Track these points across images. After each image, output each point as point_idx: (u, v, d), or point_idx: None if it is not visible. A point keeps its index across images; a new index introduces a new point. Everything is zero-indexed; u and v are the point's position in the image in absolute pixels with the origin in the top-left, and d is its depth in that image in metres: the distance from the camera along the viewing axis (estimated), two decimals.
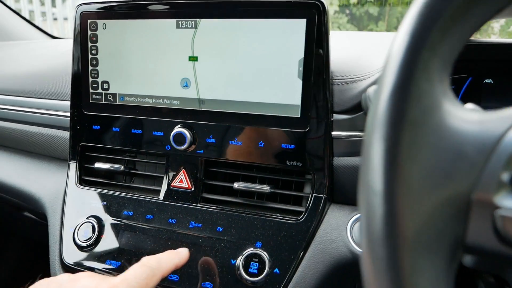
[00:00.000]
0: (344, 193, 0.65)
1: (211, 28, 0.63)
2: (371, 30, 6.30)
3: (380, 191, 0.25)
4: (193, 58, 0.65)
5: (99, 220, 0.69)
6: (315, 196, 0.63)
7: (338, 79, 0.63)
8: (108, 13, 0.69)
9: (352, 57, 0.67)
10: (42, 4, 5.19)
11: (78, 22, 0.72)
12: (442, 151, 0.25)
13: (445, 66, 0.27)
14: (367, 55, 0.68)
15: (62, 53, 0.92)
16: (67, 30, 5.56)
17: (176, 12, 0.65)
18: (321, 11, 0.58)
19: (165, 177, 0.70)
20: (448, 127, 0.26)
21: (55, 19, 5.51)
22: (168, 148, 0.69)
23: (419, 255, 0.25)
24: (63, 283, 0.46)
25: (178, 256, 0.55)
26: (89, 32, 0.71)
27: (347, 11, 6.80)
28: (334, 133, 0.63)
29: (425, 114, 0.26)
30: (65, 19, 5.63)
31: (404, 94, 0.26)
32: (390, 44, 0.28)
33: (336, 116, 0.63)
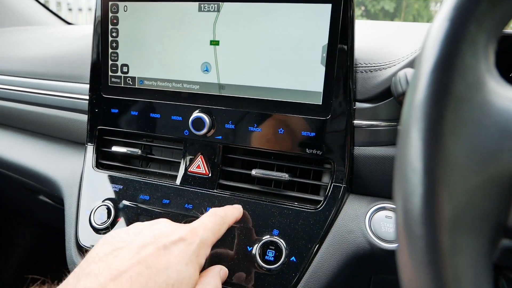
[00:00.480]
0: (363, 183, 0.64)
1: (234, 12, 0.63)
2: None
3: (420, 168, 0.24)
4: (214, 42, 0.64)
5: (115, 203, 0.69)
6: (334, 185, 0.62)
7: (362, 67, 0.62)
8: None
9: (377, 45, 0.66)
10: None
11: (99, 3, 0.71)
12: (487, 129, 0.24)
13: (491, 42, 0.26)
14: (392, 44, 0.66)
15: (81, 36, 0.92)
16: (81, 21, 5.60)
17: None
18: None
19: (182, 162, 0.70)
20: (494, 104, 0.25)
21: (69, 9, 5.55)
22: (186, 133, 0.68)
23: (459, 236, 0.24)
24: (144, 227, 0.48)
25: (238, 210, 0.60)
26: (110, 14, 0.71)
27: (362, 8, 6.74)
28: (355, 121, 0.62)
29: (470, 90, 0.25)
30: (80, 9, 5.67)
31: (449, 68, 0.25)
32: (434, 18, 0.27)
33: (359, 105, 0.62)
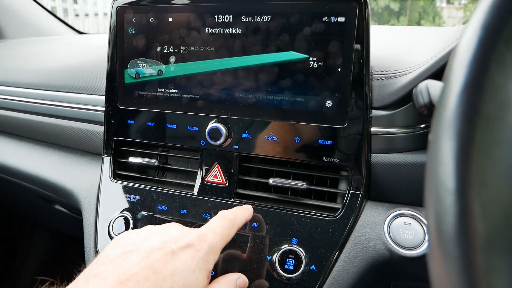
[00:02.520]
0: (381, 190, 0.64)
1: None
2: (393, 25, 6.21)
3: (453, 189, 0.24)
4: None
5: (133, 214, 0.70)
6: (352, 193, 0.62)
7: (378, 74, 0.62)
8: (144, 8, 0.69)
9: (391, 52, 0.66)
10: (64, 1, 5.27)
11: (114, 17, 0.72)
12: None
13: None
14: (406, 50, 0.66)
15: (95, 47, 0.93)
16: (87, 27, 5.64)
17: (214, 7, 0.65)
18: (362, 6, 0.57)
19: (199, 172, 0.70)
20: None
21: (76, 15, 5.60)
22: (202, 143, 0.69)
23: (495, 256, 0.24)
24: (154, 231, 0.48)
25: (247, 211, 0.58)
26: (125, 26, 0.71)
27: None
28: (372, 129, 0.62)
29: (500, 109, 0.25)
30: (86, 15, 5.72)
31: (478, 88, 0.25)
32: (458, 37, 0.28)
33: (375, 112, 0.62)
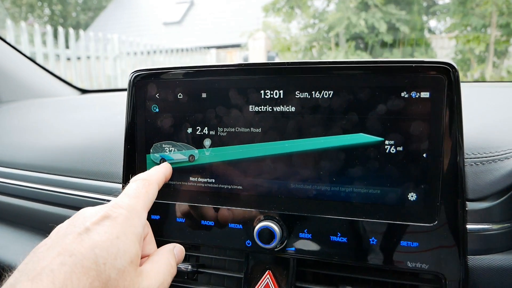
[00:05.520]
0: None
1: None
2: (387, 57, 6.22)
3: None
4: None
5: None
6: None
7: (471, 158, 0.50)
8: (170, 81, 0.58)
9: (487, 127, 0.54)
10: (56, 47, 5.22)
11: (132, 91, 0.60)
12: None
13: None
14: (503, 123, 0.55)
15: (107, 119, 0.81)
16: (79, 69, 5.60)
17: (259, 80, 0.53)
18: (452, 77, 0.46)
19: (243, 279, 0.56)
20: None
21: (68, 59, 5.56)
22: (248, 244, 0.55)
23: None
24: (64, 222, 0.43)
25: (164, 167, 0.56)
26: (147, 103, 0.59)
27: (359, 40, 6.78)
28: (468, 226, 0.49)
29: None
30: (78, 58, 5.68)
31: None
32: None
33: (470, 205, 0.50)
